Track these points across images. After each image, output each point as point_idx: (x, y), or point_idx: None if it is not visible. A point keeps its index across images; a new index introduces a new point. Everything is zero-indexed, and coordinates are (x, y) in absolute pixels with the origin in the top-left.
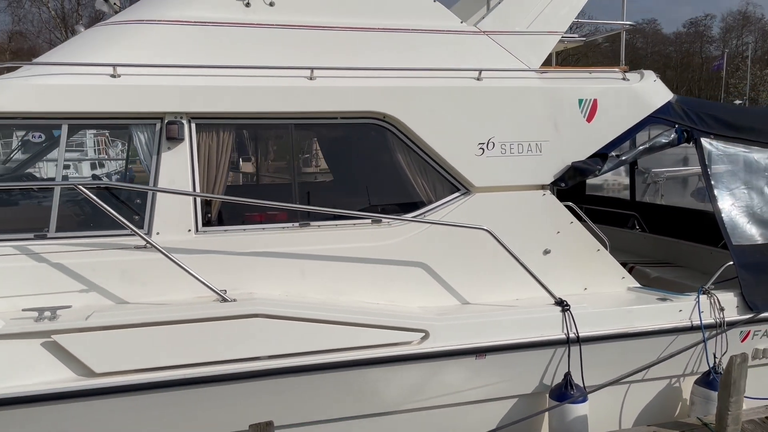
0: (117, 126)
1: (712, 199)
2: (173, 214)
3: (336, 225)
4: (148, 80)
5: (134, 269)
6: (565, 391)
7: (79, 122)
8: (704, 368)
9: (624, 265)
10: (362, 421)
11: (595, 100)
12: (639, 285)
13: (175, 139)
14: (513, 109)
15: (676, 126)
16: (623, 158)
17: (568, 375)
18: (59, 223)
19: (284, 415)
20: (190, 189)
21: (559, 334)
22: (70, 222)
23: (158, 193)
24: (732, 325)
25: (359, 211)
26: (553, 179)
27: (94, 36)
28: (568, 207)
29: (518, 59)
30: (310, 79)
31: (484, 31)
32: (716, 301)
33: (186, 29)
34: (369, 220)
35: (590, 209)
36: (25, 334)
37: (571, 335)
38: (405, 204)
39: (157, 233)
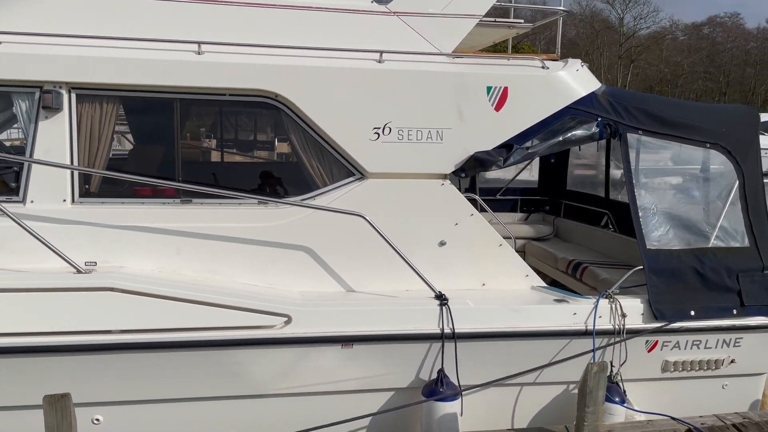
0: None
1: (631, 199)
2: (48, 183)
3: (220, 203)
4: (28, 48)
5: (2, 236)
6: (435, 388)
7: None
8: None
9: (579, 264)
10: (235, 402)
11: (505, 88)
12: (543, 284)
13: (50, 108)
14: (413, 93)
15: (599, 119)
16: (531, 150)
17: (440, 372)
18: None
19: (143, 391)
20: (67, 160)
21: (433, 329)
22: None
23: (34, 162)
24: (635, 333)
25: (248, 191)
26: (453, 169)
27: None
28: (470, 199)
29: (429, 42)
30: (198, 53)
31: (394, 12)
32: (618, 306)
33: None
34: (256, 201)
35: (568, 205)
36: None
37: (447, 331)
38: (298, 186)
39: (32, 201)
